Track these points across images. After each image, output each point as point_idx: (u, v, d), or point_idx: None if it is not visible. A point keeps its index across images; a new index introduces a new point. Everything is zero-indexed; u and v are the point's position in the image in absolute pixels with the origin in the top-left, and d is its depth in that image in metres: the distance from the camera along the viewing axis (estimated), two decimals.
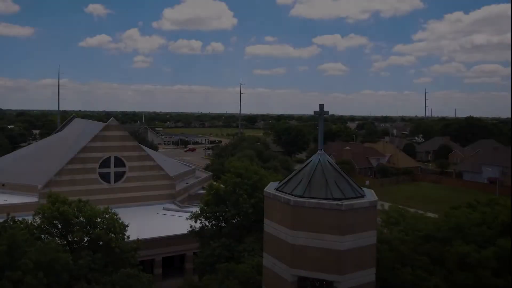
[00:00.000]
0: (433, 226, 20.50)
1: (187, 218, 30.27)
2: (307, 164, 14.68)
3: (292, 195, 13.60)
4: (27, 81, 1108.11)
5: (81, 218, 23.90)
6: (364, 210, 13.25)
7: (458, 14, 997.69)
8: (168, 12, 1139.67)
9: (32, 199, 43.46)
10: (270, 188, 14.89)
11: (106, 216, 24.78)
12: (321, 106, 14.85)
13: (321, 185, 13.67)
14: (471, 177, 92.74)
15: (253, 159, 64.05)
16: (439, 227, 20.04)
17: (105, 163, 46.52)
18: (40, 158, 52.41)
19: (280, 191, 14.23)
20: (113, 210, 26.06)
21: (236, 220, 28.23)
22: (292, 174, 14.89)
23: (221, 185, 29.78)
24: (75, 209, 24.04)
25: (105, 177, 46.51)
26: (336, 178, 13.92)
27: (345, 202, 12.90)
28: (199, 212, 29.80)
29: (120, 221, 25.57)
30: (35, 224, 23.77)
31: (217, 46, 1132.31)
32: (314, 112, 14.91)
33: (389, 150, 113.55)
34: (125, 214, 41.04)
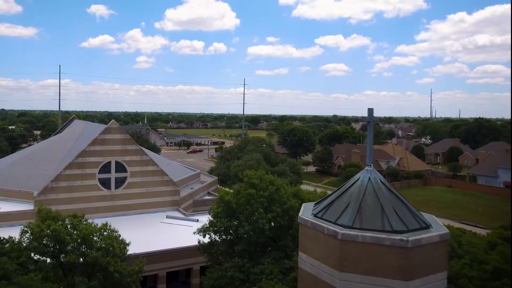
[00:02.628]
0: (498, 255, 17.11)
1: (194, 233, 27.28)
2: (353, 184, 11.57)
3: (337, 224, 10.53)
4: (29, 81, 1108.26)
5: (75, 236, 20.85)
6: (433, 247, 10.14)
7: (461, 15, 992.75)
8: (170, 13, 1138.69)
9: (27, 206, 40.77)
10: (306, 213, 11.78)
11: (104, 233, 21.72)
12: (370, 110, 11.85)
13: (375, 212, 10.59)
14: (486, 181, 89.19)
15: (261, 163, 61.11)
16: (507, 258, 16.70)
17: (105, 168, 43.66)
18: (37, 162, 49.67)
19: (319, 218, 11.17)
20: (112, 227, 22.95)
21: (249, 234, 25.16)
22: (334, 196, 11.76)
23: (231, 193, 26.79)
24: (69, 226, 21.03)
25: (105, 183, 43.67)
26: (394, 203, 10.89)
27: (411, 237, 9.85)
28: (207, 225, 26.77)
29: (120, 238, 22.55)
30: (23, 243, 20.77)
31: (219, 46, 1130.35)
32: (362, 118, 11.89)
33: (399, 152, 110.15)
34: (126, 223, 38.46)
